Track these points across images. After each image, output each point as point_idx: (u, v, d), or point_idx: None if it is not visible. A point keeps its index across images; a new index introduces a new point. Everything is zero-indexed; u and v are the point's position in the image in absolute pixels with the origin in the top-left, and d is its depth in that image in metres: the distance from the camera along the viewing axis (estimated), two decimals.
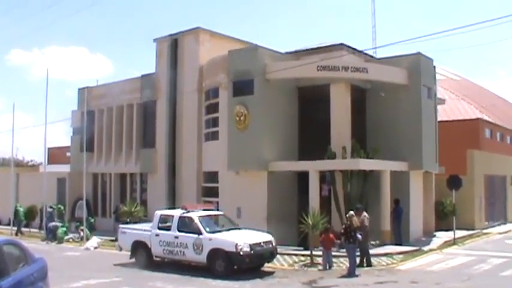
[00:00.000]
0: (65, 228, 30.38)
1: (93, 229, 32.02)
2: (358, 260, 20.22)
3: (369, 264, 20.47)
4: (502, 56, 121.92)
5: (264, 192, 26.19)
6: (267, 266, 20.18)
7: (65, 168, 39.89)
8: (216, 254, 18.87)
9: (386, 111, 27.55)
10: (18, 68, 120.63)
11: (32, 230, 34.57)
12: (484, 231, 32.69)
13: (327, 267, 20.00)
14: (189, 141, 31.22)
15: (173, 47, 32.68)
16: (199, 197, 29.86)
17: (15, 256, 10.87)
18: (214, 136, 29.14)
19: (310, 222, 21.09)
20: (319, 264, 20.56)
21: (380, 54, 38.20)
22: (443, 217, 30.69)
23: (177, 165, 32.02)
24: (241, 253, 18.45)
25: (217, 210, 24.37)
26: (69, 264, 22.02)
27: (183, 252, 19.81)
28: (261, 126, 26.26)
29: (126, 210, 28.68)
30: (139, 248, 21.29)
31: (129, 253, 21.71)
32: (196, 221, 19.84)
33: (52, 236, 30.10)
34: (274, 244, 19.98)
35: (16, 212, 34.76)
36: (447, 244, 26.45)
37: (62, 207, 34.09)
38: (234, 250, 18.49)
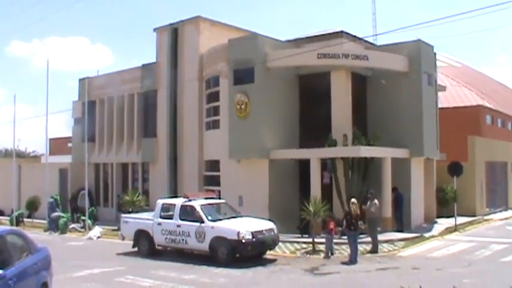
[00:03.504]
0: (65, 219, 30.45)
1: (95, 219, 32.13)
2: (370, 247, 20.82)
3: (375, 251, 20.62)
4: (502, 43, 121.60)
5: (266, 180, 26.26)
6: (269, 254, 20.29)
7: (66, 159, 39.94)
8: (218, 242, 18.96)
9: (387, 99, 27.51)
10: (19, 60, 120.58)
11: (35, 220, 34.64)
12: (485, 217, 32.77)
13: (329, 254, 20.09)
14: (190, 130, 31.25)
15: (173, 36, 32.65)
16: (200, 186, 29.93)
17: (19, 246, 10.95)
18: (215, 125, 29.18)
19: (312, 210, 21.16)
20: (321, 251, 20.64)
21: (380, 41, 38.19)
22: (445, 204, 30.74)
23: (178, 154, 32.07)
24: (244, 241, 18.53)
25: (219, 198, 24.43)
26: (72, 253, 22.16)
27: (186, 240, 19.90)
28: (262, 115, 26.27)
29: (128, 199, 28.75)
30: (142, 237, 21.42)
31: (132, 242, 21.83)
32: (198, 209, 19.92)
33: (55, 226, 30.18)
34: (276, 232, 20.06)
35: None
36: (448, 230, 26.53)
37: (57, 198, 34.08)
38: (236, 238, 18.58)
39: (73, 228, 30.31)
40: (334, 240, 20.76)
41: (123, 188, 34.94)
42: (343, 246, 20.95)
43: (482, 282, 15.07)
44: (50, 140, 44.26)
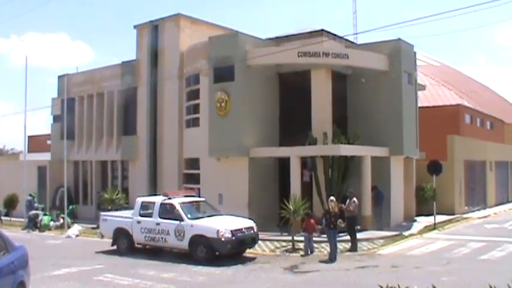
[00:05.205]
0: (49, 217, 30.25)
1: (74, 217, 31.89)
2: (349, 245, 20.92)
3: (354, 249, 20.68)
4: (481, 43, 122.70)
5: (245, 178, 26.24)
6: (248, 252, 20.27)
7: (45, 156, 39.59)
8: (197, 240, 18.90)
9: (367, 97, 27.63)
10: None
11: (13, 218, 34.28)
12: (464, 216, 33.01)
13: (309, 253, 20.13)
14: (170, 127, 31.12)
15: (154, 34, 32.47)
16: (180, 184, 29.81)
17: None
18: (195, 123, 29.06)
19: (292, 208, 21.20)
20: (300, 249, 20.68)
21: (361, 40, 38.31)
22: (424, 202, 30.98)
23: (158, 152, 31.94)
24: (223, 239, 18.49)
25: (199, 196, 24.36)
26: (50, 252, 21.95)
27: (165, 238, 19.81)
28: (242, 113, 26.23)
29: (108, 197, 28.61)
30: (121, 235, 21.29)
31: (111, 240, 21.69)
32: (178, 207, 19.84)
33: (33, 224, 29.89)
34: (255, 230, 20.05)
35: None
36: (427, 229, 26.71)
37: (36, 195, 33.62)
38: (215, 236, 18.53)
39: (51, 226, 29.99)
40: (314, 239, 20.80)
41: (103, 186, 34.76)
42: (323, 245, 21.01)
43: (461, 280, 15.16)
44: (29, 137, 44.02)
